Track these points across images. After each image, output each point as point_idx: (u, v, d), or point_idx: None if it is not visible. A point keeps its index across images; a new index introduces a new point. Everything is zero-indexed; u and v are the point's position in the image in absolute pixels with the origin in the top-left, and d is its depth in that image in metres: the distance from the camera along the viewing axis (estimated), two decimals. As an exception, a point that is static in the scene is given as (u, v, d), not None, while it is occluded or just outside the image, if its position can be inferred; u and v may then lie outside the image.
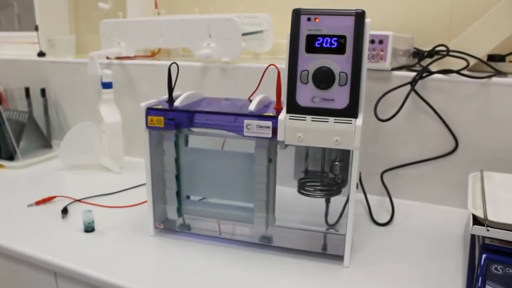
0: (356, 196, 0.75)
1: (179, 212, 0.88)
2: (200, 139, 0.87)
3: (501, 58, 1.02)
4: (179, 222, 0.88)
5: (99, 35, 1.30)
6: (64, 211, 0.96)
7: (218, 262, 0.77)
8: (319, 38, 0.68)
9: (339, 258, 0.77)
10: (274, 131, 0.72)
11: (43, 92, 1.45)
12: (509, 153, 0.92)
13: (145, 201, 0.85)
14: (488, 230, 0.65)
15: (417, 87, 0.96)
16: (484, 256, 0.66)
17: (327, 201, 0.83)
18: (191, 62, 1.17)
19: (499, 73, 0.95)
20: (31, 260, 0.80)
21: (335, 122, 0.69)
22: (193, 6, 1.27)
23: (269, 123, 0.72)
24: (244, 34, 1.14)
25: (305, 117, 0.70)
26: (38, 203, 1.01)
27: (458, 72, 0.93)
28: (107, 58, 1.31)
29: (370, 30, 0.68)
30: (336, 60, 0.68)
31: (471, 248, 0.77)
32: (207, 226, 0.86)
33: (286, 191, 0.84)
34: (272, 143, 0.77)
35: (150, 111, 0.79)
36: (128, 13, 1.40)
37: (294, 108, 0.70)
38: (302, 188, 0.82)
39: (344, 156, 0.79)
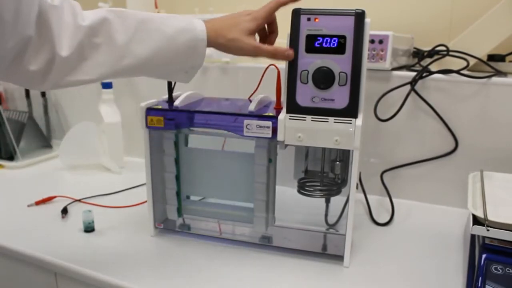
0: (356, 196, 0.75)
1: (179, 212, 0.88)
2: (200, 139, 0.87)
3: (501, 58, 1.02)
4: (179, 222, 0.88)
5: (99, 35, 1.29)
6: (64, 211, 0.96)
7: (218, 262, 0.77)
8: (319, 38, 0.68)
9: (339, 258, 0.76)
10: (274, 131, 0.72)
11: (43, 92, 1.45)
12: (509, 153, 0.92)
13: (145, 201, 0.85)
14: (488, 230, 0.65)
15: (417, 87, 0.96)
16: (484, 256, 0.66)
17: (327, 201, 0.83)
18: (191, 62, 1.17)
19: (499, 73, 0.95)
20: (31, 260, 0.80)
21: (335, 122, 0.69)
22: (193, 6, 1.26)
23: (269, 123, 0.72)
24: (244, 34, 1.13)
25: (305, 117, 0.70)
26: (38, 203, 1.01)
27: (458, 72, 0.93)
28: (107, 58, 1.30)
29: (370, 30, 0.68)
30: (336, 60, 0.68)
31: (471, 248, 0.77)
32: (207, 226, 0.86)
33: (286, 191, 0.84)
34: (272, 143, 0.77)
35: (150, 111, 0.79)
36: (128, 13, 1.40)
37: (294, 108, 0.70)
38: (302, 188, 0.82)
39: (344, 156, 0.79)
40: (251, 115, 0.74)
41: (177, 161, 0.85)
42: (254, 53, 0.70)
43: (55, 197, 1.03)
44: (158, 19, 0.66)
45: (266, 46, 0.69)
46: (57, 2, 0.60)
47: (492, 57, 1.03)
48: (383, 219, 0.93)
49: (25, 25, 0.56)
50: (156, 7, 1.41)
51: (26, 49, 0.58)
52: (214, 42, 0.68)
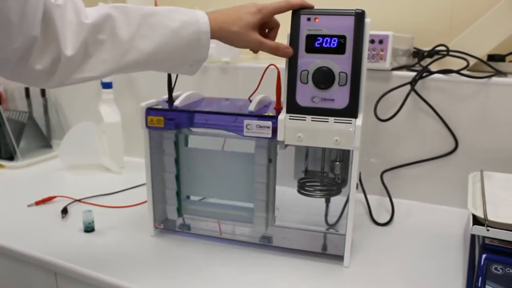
0: (356, 196, 0.75)
1: (179, 212, 0.88)
2: (200, 139, 0.87)
3: (501, 58, 1.02)
4: (179, 222, 0.88)
5: (99, 35, 1.29)
6: (64, 211, 0.96)
7: (218, 262, 0.77)
8: (319, 38, 0.68)
9: (339, 258, 0.76)
10: (274, 131, 0.72)
11: (43, 92, 1.45)
12: (509, 153, 0.92)
13: (145, 201, 0.85)
14: (488, 230, 0.65)
15: (417, 87, 0.96)
16: (484, 256, 0.66)
17: (327, 201, 0.83)
18: (191, 62, 1.17)
19: (499, 73, 0.95)
20: (31, 260, 0.80)
21: (335, 122, 0.69)
22: (193, 6, 1.26)
23: (269, 123, 0.72)
24: (244, 34, 1.13)
25: (305, 117, 0.70)
26: (38, 203, 1.01)
27: (458, 72, 0.93)
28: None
29: (370, 30, 0.68)
30: (336, 60, 0.68)
31: (471, 248, 0.77)
32: (207, 226, 0.86)
33: (286, 191, 0.84)
34: (272, 143, 0.77)
35: (150, 111, 0.79)
36: (128, 13, 1.40)
37: (294, 108, 0.70)
38: (302, 188, 0.82)
39: (344, 156, 0.79)
40: (251, 115, 0.74)
41: (177, 161, 0.85)
42: (258, 47, 0.70)
43: (55, 197, 1.03)
44: (161, 13, 0.65)
45: (269, 42, 0.69)
46: (61, 1, 0.60)
47: (492, 57, 1.03)
48: (383, 219, 0.93)
49: (30, 26, 0.56)
50: (156, 5, 1.41)
51: (31, 49, 0.58)
52: (218, 34, 0.68)
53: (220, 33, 0.68)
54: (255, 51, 0.72)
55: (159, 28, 0.64)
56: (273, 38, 0.72)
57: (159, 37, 0.64)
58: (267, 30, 0.73)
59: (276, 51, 0.69)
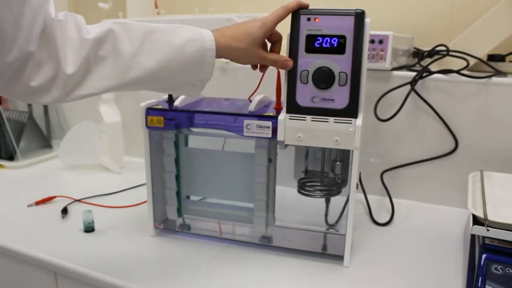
0: (356, 196, 0.75)
1: (179, 212, 0.88)
2: (200, 139, 0.87)
3: (501, 58, 1.02)
4: (179, 222, 0.88)
5: (99, 35, 1.29)
6: (64, 211, 0.96)
7: (218, 262, 0.77)
8: (319, 38, 0.68)
9: (339, 258, 0.76)
10: (274, 131, 0.72)
11: (43, 92, 1.45)
12: (509, 153, 0.92)
13: (145, 201, 0.85)
14: (488, 230, 0.65)
15: (417, 87, 0.96)
16: (484, 256, 0.66)
17: (327, 201, 0.83)
18: (191, 62, 1.17)
19: (499, 73, 0.95)
20: (31, 260, 0.80)
21: (335, 122, 0.69)
22: (193, 6, 1.26)
23: (269, 123, 0.72)
24: (244, 34, 1.13)
25: (305, 117, 0.70)
26: (38, 203, 1.01)
27: (458, 72, 0.93)
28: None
29: (370, 30, 0.68)
30: (336, 60, 0.68)
31: (471, 248, 0.77)
32: (207, 226, 0.86)
33: (286, 191, 0.84)
34: (272, 143, 0.77)
35: (150, 111, 0.79)
36: (128, 13, 1.40)
37: (294, 108, 0.70)
38: (302, 188, 0.82)
39: (344, 156, 0.79)
40: (251, 115, 0.74)
41: (177, 161, 0.85)
42: (261, 62, 0.71)
43: (55, 197, 1.03)
44: (165, 30, 0.64)
45: (270, 55, 0.70)
46: (61, 17, 0.58)
47: (492, 57, 1.03)
48: (383, 219, 0.93)
49: (27, 40, 0.54)
50: (156, 7, 1.41)
51: (26, 64, 0.56)
52: (225, 52, 0.67)
53: (228, 51, 0.67)
54: (256, 67, 0.73)
55: (162, 45, 0.62)
56: (278, 52, 0.72)
57: (163, 53, 0.62)
58: (270, 44, 0.72)
59: (276, 63, 0.70)
